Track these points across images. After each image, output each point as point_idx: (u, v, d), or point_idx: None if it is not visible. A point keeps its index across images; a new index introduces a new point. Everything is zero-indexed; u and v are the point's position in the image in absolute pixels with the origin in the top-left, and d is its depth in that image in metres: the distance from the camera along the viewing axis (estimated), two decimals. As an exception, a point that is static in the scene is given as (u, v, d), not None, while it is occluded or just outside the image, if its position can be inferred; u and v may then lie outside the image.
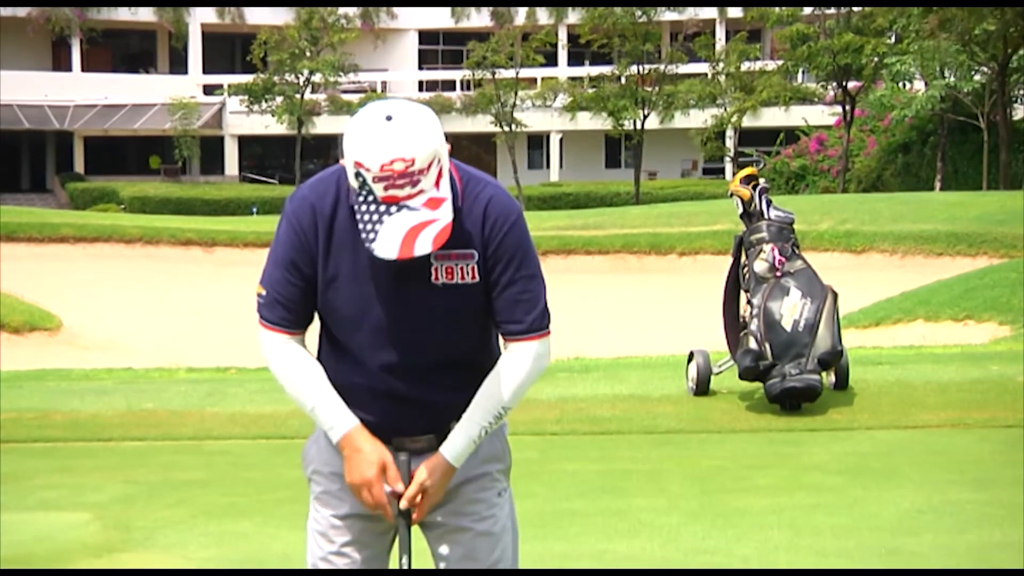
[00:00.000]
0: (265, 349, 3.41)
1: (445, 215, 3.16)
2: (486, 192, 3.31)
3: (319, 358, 3.45)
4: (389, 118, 3.13)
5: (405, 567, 3.34)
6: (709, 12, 60.52)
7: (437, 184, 3.17)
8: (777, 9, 51.28)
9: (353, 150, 3.14)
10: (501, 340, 3.44)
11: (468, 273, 3.29)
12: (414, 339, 3.33)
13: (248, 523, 7.04)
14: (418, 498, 3.33)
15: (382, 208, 3.15)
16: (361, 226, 3.17)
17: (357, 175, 3.15)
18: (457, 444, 3.34)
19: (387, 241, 3.14)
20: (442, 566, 3.47)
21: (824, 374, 10.00)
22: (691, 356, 10.65)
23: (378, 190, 3.14)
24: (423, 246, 3.14)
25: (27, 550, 6.50)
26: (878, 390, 10.59)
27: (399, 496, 3.33)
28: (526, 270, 3.35)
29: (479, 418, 3.35)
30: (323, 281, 3.32)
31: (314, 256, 3.31)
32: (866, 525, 6.81)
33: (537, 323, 3.37)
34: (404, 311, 3.31)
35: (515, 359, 3.36)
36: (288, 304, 3.35)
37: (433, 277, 3.28)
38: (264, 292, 3.37)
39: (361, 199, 3.17)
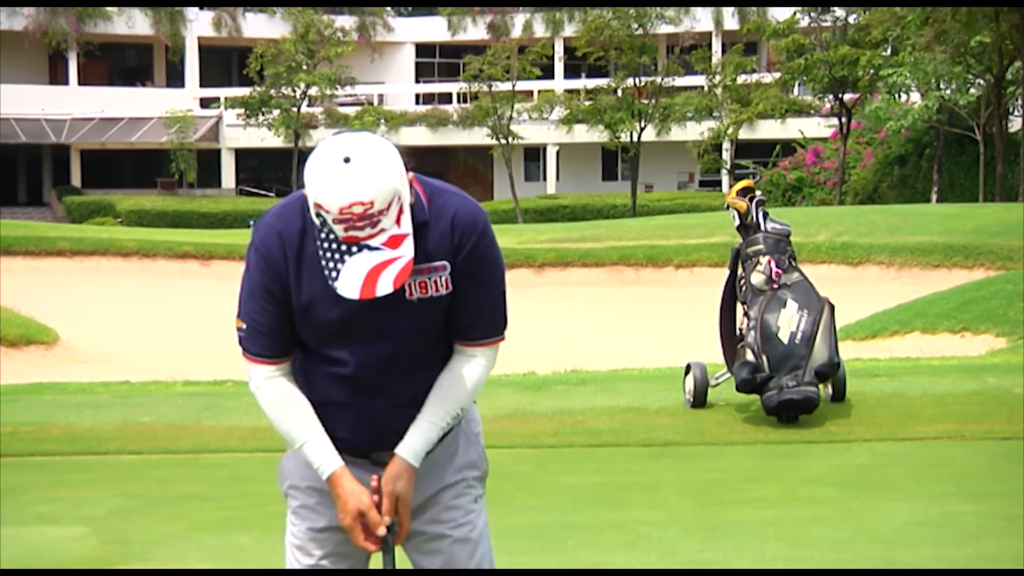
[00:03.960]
0: (253, 383, 3.42)
1: (406, 252, 3.19)
2: (451, 203, 3.34)
3: (294, 374, 3.46)
4: (347, 160, 3.13)
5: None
6: (705, 24, 60.67)
7: (398, 221, 3.19)
8: (774, 21, 51.37)
9: (312, 191, 3.17)
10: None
11: (442, 285, 3.32)
12: (391, 355, 3.36)
13: (245, 537, 7.04)
14: (397, 508, 3.36)
15: (343, 247, 3.19)
16: (324, 263, 3.21)
17: (318, 215, 3.18)
18: (416, 445, 3.38)
19: (349, 281, 3.17)
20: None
21: (821, 386, 10.01)
22: (688, 368, 10.65)
23: (339, 230, 3.17)
24: (384, 286, 3.17)
25: (24, 564, 6.50)
26: (875, 402, 10.59)
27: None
28: (493, 278, 3.40)
29: (438, 419, 3.39)
30: (298, 306, 3.33)
31: (286, 282, 3.32)
32: (863, 537, 6.81)
33: (499, 329, 3.44)
34: (381, 328, 3.33)
35: (473, 363, 3.41)
36: (270, 333, 3.36)
37: (408, 293, 3.30)
38: (244, 325, 3.39)
39: (323, 237, 3.21)
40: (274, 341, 3.36)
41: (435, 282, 3.31)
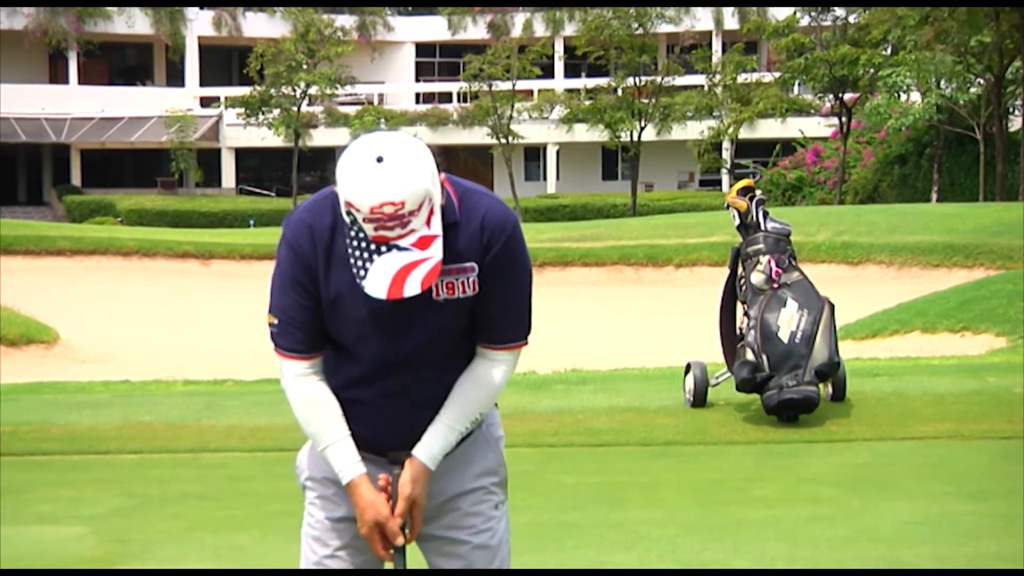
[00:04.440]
0: (284, 379, 3.42)
1: (435, 253, 3.18)
2: (482, 204, 3.33)
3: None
4: (380, 159, 3.14)
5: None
6: (706, 24, 60.68)
7: (428, 222, 3.19)
8: (773, 20, 51.38)
9: (344, 189, 3.17)
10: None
11: (469, 286, 3.32)
12: (417, 354, 3.36)
13: (245, 536, 7.04)
14: (411, 511, 3.37)
15: (372, 247, 3.18)
16: (352, 262, 3.20)
17: (348, 213, 3.18)
18: (434, 448, 3.38)
19: (377, 281, 3.17)
20: None
21: (821, 386, 10.00)
22: (688, 368, 10.64)
23: (369, 230, 3.17)
24: (412, 287, 3.17)
25: (24, 563, 6.50)
26: (875, 402, 10.59)
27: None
28: (520, 281, 3.39)
29: (456, 423, 3.38)
30: (326, 301, 3.34)
31: (316, 276, 3.32)
32: (863, 537, 6.81)
33: (522, 333, 3.43)
34: (407, 328, 3.33)
35: (495, 367, 3.41)
36: (302, 327, 3.36)
37: (434, 293, 3.30)
38: (276, 320, 3.38)
39: (352, 235, 3.20)
40: (306, 335, 3.36)
41: (463, 283, 3.31)
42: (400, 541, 3.35)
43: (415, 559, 3.46)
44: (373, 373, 3.37)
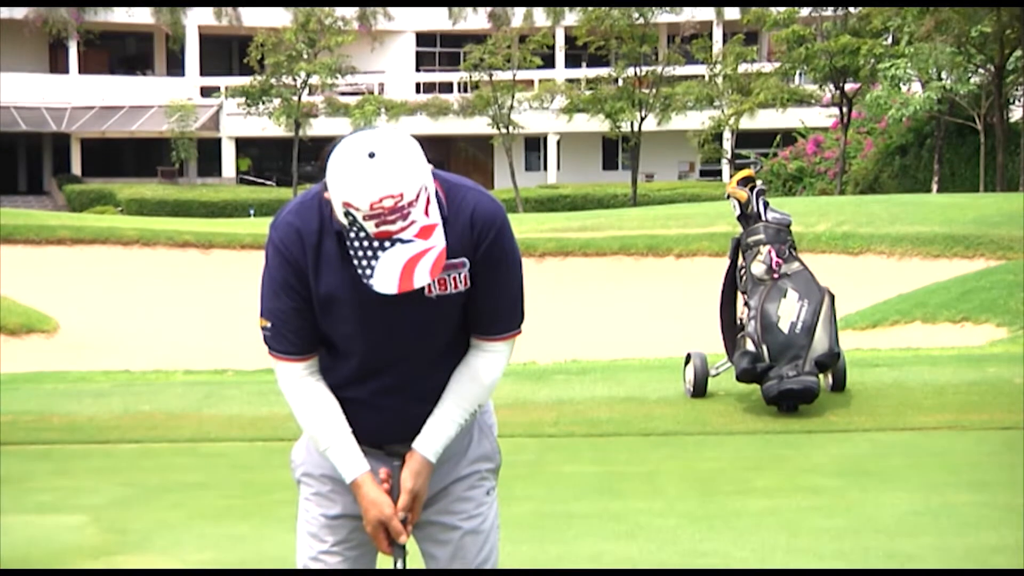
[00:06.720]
0: (282, 382, 3.42)
1: (439, 241, 3.17)
2: (469, 199, 3.33)
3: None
4: (372, 155, 3.12)
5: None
6: (706, 14, 60.59)
7: (426, 212, 3.17)
8: (774, 11, 51.32)
9: (340, 191, 3.14)
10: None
11: (461, 281, 3.32)
12: (411, 352, 3.37)
13: (245, 525, 7.04)
14: (412, 503, 3.38)
15: (376, 244, 3.16)
16: (356, 263, 3.18)
17: (347, 214, 3.16)
18: (436, 442, 3.39)
19: (386, 276, 3.15)
20: (431, 565, 3.52)
21: (821, 376, 10.01)
22: (688, 358, 10.65)
23: (370, 227, 3.14)
24: (422, 277, 3.16)
25: (24, 552, 6.50)
26: (875, 392, 10.59)
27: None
28: (511, 273, 3.40)
29: (457, 416, 3.39)
30: (317, 302, 3.34)
31: (307, 279, 3.32)
32: (863, 527, 6.81)
33: (516, 323, 3.44)
34: (400, 326, 3.33)
35: (492, 358, 3.42)
36: (296, 329, 3.36)
37: (427, 290, 3.29)
38: (269, 324, 3.38)
39: (353, 236, 3.18)
40: (300, 337, 3.36)
41: (455, 279, 3.30)
42: (404, 539, 3.35)
43: (411, 553, 3.46)
44: (368, 371, 3.37)
